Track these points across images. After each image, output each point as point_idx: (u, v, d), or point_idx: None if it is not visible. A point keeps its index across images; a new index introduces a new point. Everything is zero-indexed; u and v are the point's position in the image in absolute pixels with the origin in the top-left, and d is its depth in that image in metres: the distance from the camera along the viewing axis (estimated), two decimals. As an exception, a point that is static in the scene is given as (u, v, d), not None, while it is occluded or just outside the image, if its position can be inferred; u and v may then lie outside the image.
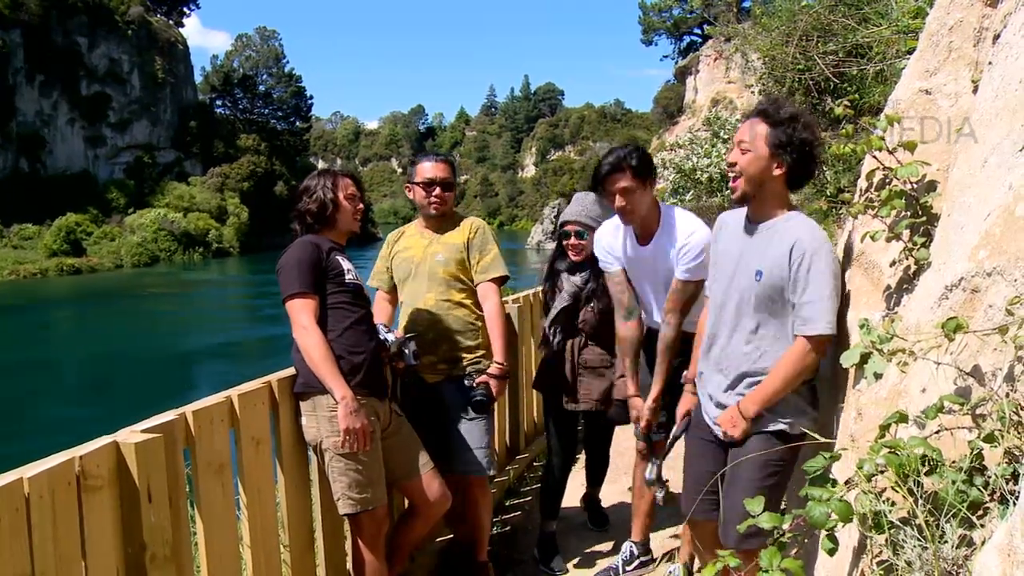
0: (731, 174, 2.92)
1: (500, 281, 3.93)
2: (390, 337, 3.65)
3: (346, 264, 3.44)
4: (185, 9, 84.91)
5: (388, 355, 3.64)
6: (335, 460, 3.25)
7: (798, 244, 2.76)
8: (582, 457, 5.08)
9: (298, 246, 3.37)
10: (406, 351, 3.71)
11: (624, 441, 5.17)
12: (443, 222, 3.99)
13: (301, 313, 3.24)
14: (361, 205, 3.56)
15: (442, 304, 3.88)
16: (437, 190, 3.90)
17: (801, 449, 2.87)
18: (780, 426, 2.88)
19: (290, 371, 3.34)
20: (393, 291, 4.10)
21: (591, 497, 4.92)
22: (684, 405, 3.32)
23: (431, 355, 3.87)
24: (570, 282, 4.20)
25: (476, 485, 4.00)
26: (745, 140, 2.88)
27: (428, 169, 3.93)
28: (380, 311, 4.03)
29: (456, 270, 3.89)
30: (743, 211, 3.02)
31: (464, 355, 3.89)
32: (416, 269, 3.93)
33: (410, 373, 3.89)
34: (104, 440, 2.36)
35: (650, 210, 3.64)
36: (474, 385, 3.81)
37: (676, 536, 4.36)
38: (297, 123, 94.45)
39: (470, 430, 3.87)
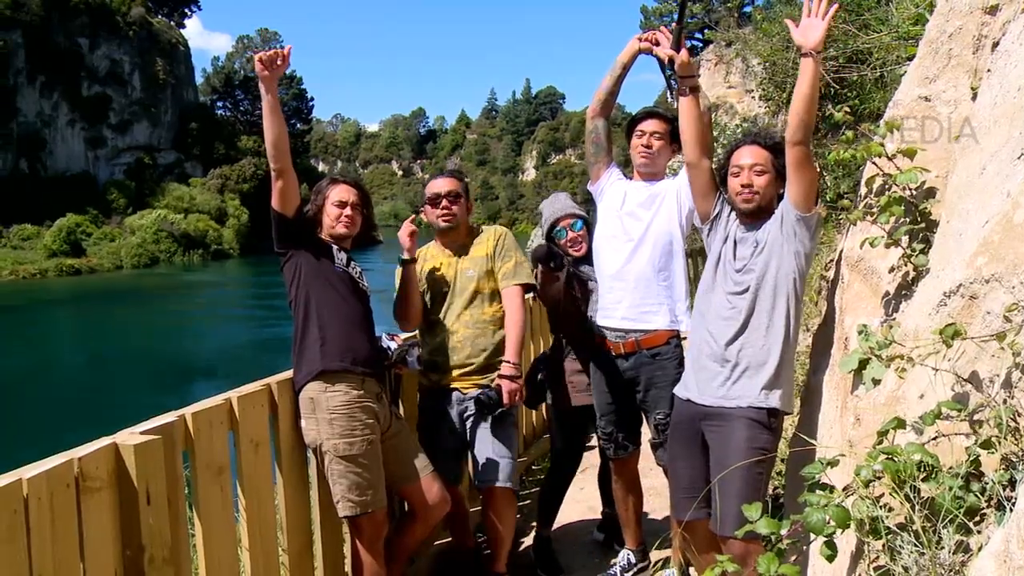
0: (745, 193, 3.09)
1: (525, 288, 3.93)
2: (392, 345, 3.65)
3: (340, 255, 3.52)
4: (186, 10, 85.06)
5: (390, 362, 3.64)
6: (335, 463, 3.26)
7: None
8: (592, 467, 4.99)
9: None
10: (409, 358, 3.70)
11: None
12: (464, 237, 3.99)
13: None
14: (348, 211, 3.55)
15: (478, 321, 3.89)
16: (444, 202, 3.92)
17: (797, 454, 2.89)
18: (774, 403, 3.02)
19: (289, 373, 3.34)
20: None
21: (609, 518, 4.61)
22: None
23: (463, 368, 3.89)
24: (592, 269, 4.11)
25: (495, 496, 3.89)
26: (760, 162, 3.09)
27: (433, 186, 3.99)
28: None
29: (487, 283, 3.91)
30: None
31: (498, 367, 3.89)
32: (452, 287, 3.94)
33: (433, 381, 3.94)
34: (103, 442, 2.36)
35: (662, 172, 3.90)
36: (490, 385, 3.78)
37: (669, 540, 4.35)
38: (298, 125, 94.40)
39: (488, 439, 3.84)
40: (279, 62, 3.19)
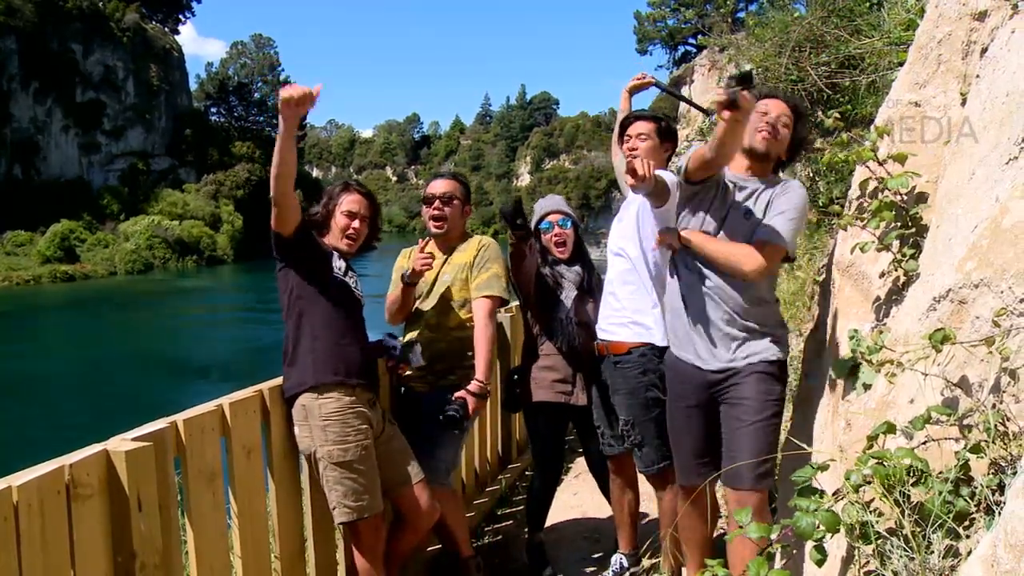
0: (766, 131, 3.08)
1: (495, 300, 3.87)
2: (396, 344, 3.67)
3: (339, 263, 3.50)
4: (180, 17, 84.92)
5: (394, 363, 3.66)
6: (329, 469, 3.25)
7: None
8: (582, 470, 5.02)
9: None
10: (412, 356, 3.73)
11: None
12: (452, 241, 3.99)
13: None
14: (356, 223, 3.55)
15: (443, 325, 3.90)
16: (436, 203, 3.94)
17: (790, 458, 2.90)
18: (779, 355, 3.08)
19: (281, 380, 3.34)
20: None
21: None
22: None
23: (424, 369, 3.89)
24: (572, 271, 4.15)
25: (437, 495, 3.85)
26: (787, 121, 3.12)
27: (431, 187, 4.02)
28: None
29: (460, 290, 3.90)
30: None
31: (457, 372, 3.88)
32: (430, 288, 3.95)
33: (397, 381, 3.95)
34: (94, 448, 2.36)
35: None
36: (451, 399, 3.74)
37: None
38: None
39: (435, 440, 3.84)
40: (308, 104, 3.04)
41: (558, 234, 4.13)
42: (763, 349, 3.05)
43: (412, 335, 3.96)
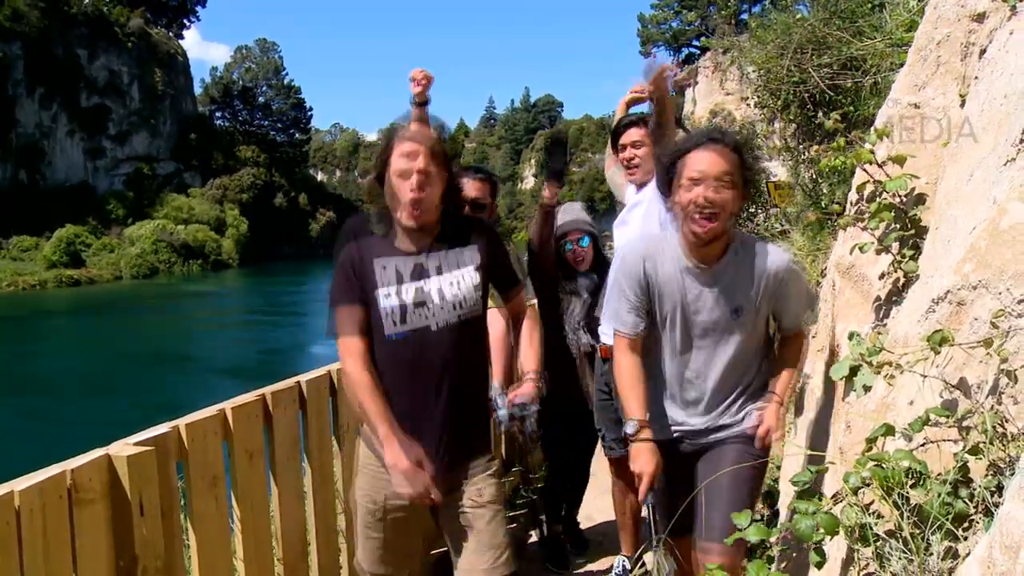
0: (707, 211, 2.59)
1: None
2: (502, 413, 2.86)
3: (386, 273, 2.67)
4: (185, 21, 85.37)
5: (502, 425, 2.93)
6: (356, 517, 2.97)
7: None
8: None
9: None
10: (528, 423, 2.90)
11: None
12: None
13: (341, 345, 2.69)
14: (415, 190, 2.55)
15: None
16: (466, 209, 3.70)
17: (789, 461, 2.89)
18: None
19: (284, 384, 3.33)
20: None
21: (569, 518, 4.71)
22: (649, 465, 2.80)
23: None
24: (588, 277, 4.18)
25: None
26: (731, 173, 2.60)
27: (463, 187, 3.72)
28: None
29: None
30: (669, 249, 2.79)
31: None
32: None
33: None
34: (96, 453, 2.36)
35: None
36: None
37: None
38: (296, 135, 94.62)
39: None
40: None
41: (576, 253, 4.16)
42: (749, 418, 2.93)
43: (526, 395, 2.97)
